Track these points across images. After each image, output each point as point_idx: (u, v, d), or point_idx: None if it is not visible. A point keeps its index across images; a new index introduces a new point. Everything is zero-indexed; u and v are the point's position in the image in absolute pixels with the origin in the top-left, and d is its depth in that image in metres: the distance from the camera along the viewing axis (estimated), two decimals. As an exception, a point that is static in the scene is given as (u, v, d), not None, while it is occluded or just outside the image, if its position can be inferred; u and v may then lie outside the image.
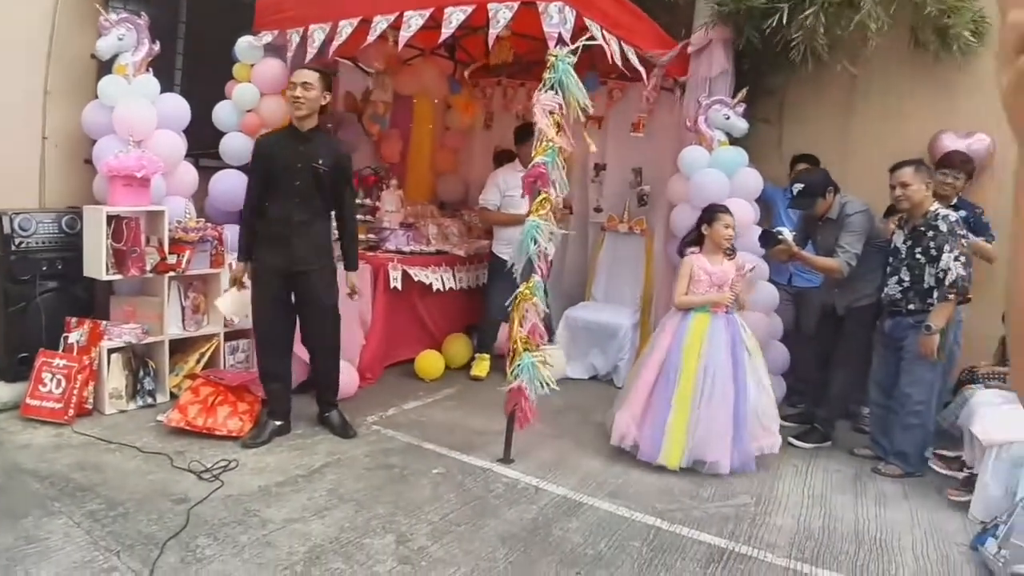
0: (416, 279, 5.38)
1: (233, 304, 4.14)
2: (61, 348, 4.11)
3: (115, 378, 4.16)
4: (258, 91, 4.85)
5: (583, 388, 5.42)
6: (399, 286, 5.20)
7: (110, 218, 4.16)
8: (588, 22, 3.94)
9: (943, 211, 4.00)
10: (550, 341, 4.70)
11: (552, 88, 3.62)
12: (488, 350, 5.60)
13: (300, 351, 4.17)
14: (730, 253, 4.10)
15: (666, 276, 5.39)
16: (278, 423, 3.96)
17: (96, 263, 4.16)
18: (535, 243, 3.62)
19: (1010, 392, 4.06)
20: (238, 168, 4.73)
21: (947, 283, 3.86)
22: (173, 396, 4.31)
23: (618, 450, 4.03)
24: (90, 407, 4.06)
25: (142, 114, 4.31)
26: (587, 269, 6.39)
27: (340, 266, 4.14)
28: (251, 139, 4.59)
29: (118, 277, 4.21)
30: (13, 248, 4.11)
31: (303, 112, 3.79)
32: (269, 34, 4.76)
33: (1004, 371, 4.44)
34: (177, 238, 4.41)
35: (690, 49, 5.22)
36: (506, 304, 3.80)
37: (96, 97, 4.37)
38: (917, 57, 5.23)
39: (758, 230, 4.66)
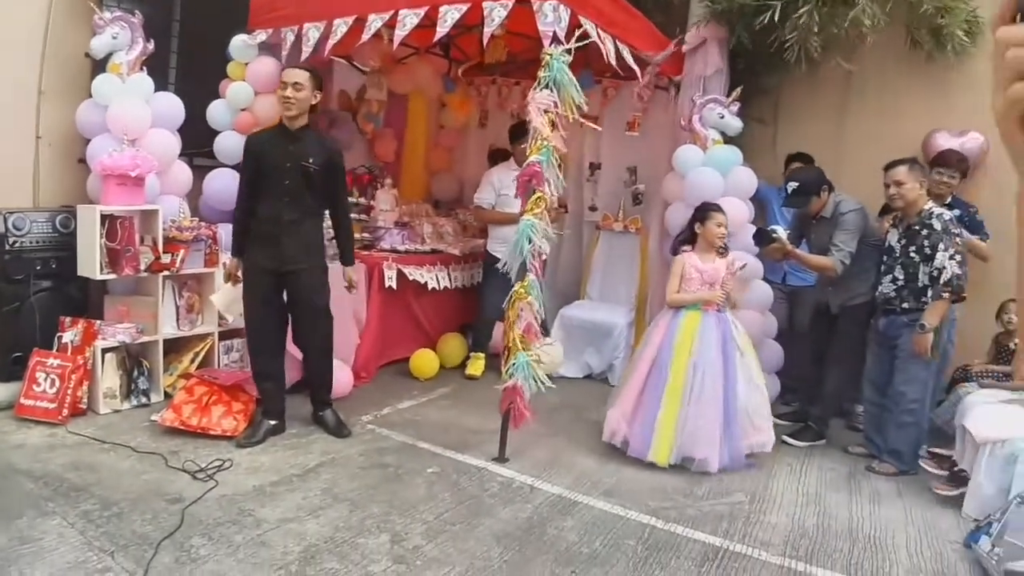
0: (411, 278, 5.37)
1: (227, 299, 4.14)
2: (55, 348, 4.10)
3: (109, 378, 4.15)
4: (252, 90, 4.83)
5: (578, 387, 5.43)
6: (394, 285, 5.20)
7: (104, 217, 4.15)
8: (583, 20, 3.94)
9: (937, 210, 4.02)
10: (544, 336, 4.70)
11: (547, 87, 3.62)
12: (483, 349, 5.60)
13: (293, 350, 4.17)
14: (723, 252, 4.11)
15: (661, 275, 5.39)
16: (272, 422, 3.95)
17: (90, 262, 4.15)
18: (530, 242, 3.62)
19: (1003, 390, 4.08)
20: (232, 167, 4.72)
21: (942, 281, 3.87)
22: (167, 396, 4.30)
23: (613, 449, 4.04)
24: (84, 407, 4.05)
25: (136, 113, 4.30)
26: (582, 268, 6.39)
27: (334, 265, 4.14)
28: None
29: (112, 276, 4.20)
30: (7, 247, 4.09)
31: (293, 112, 3.78)
32: (263, 32, 4.75)
33: (998, 369, 4.47)
34: (171, 237, 4.40)
35: (685, 48, 5.23)
36: (503, 304, 3.80)
37: (90, 96, 4.36)
38: (911, 56, 5.24)
39: (752, 229, 4.67)
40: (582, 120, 3.79)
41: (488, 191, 5.54)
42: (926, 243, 3.97)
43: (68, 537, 2.73)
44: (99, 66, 4.44)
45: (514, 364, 3.68)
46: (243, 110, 4.87)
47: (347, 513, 3.14)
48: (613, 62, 4.29)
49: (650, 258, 5.83)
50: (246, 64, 4.87)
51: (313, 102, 3.85)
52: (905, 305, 4.07)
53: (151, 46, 4.48)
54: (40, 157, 4.51)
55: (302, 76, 3.77)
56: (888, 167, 4.13)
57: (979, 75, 4.99)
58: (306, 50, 4.47)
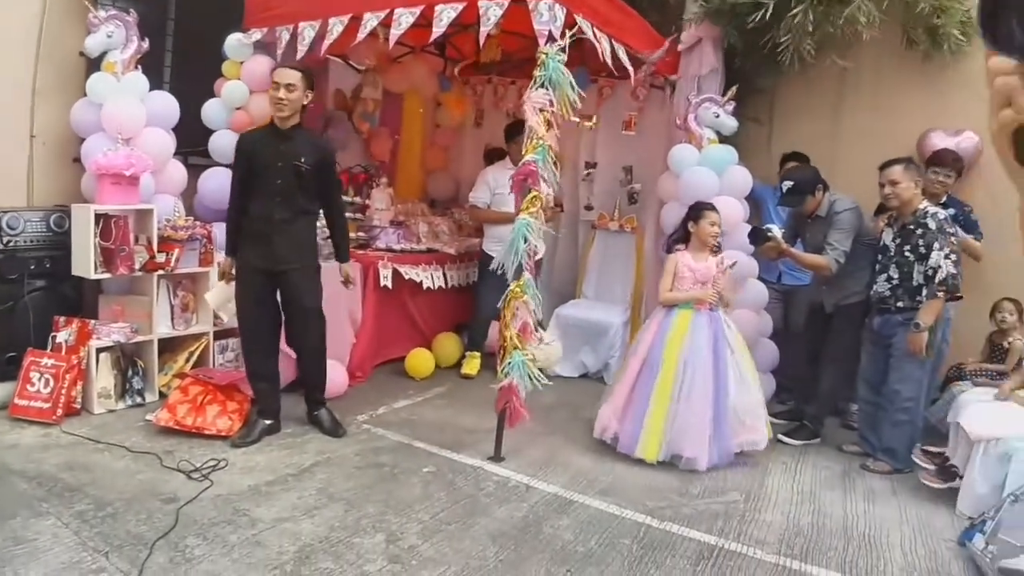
0: (406, 277, 5.37)
1: (221, 297, 4.13)
2: (49, 347, 4.09)
3: (104, 377, 4.14)
4: (247, 88, 4.82)
5: (574, 386, 5.43)
6: (389, 284, 5.20)
7: (98, 216, 4.13)
8: (578, 19, 3.94)
9: (932, 209, 4.02)
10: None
11: (543, 86, 3.62)
12: (479, 348, 5.60)
13: (288, 350, 4.16)
14: (717, 250, 4.13)
15: (656, 274, 5.37)
16: (267, 422, 3.94)
17: (84, 262, 4.13)
18: (525, 241, 3.62)
19: (997, 388, 4.08)
20: (227, 166, 4.68)
21: (937, 281, 3.88)
22: (162, 395, 4.29)
23: (608, 448, 4.04)
24: (78, 407, 4.04)
25: (131, 112, 4.29)
26: (578, 267, 6.39)
27: (329, 264, 4.13)
28: (241, 137, 4.57)
29: (107, 276, 4.19)
30: (1, 247, 4.08)
31: (286, 114, 3.76)
32: (259, 31, 4.74)
33: (991, 368, 4.48)
34: (166, 236, 4.39)
35: (680, 47, 5.23)
36: (498, 304, 3.80)
37: (85, 95, 4.35)
38: (907, 56, 5.24)
39: (748, 228, 4.68)
40: (577, 119, 3.79)
41: (483, 190, 5.54)
42: (921, 242, 3.98)
43: (62, 537, 2.72)
44: (94, 65, 4.42)
45: (510, 363, 3.68)
46: (238, 109, 4.86)
47: (342, 513, 3.14)
48: (609, 61, 4.29)
49: (646, 257, 5.83)
50: (241, 63, 4.86)
51: (304, 102, 3.83)
52: (900, 304, 4.07)
53: (146, 45, 4.47)
54: (34, 156, 4.50)
55: (294, 77, 3.74)
56: (883, 167, 4.14)
57: (974, 75, 4.97)
58: (301, 49, 4.46)
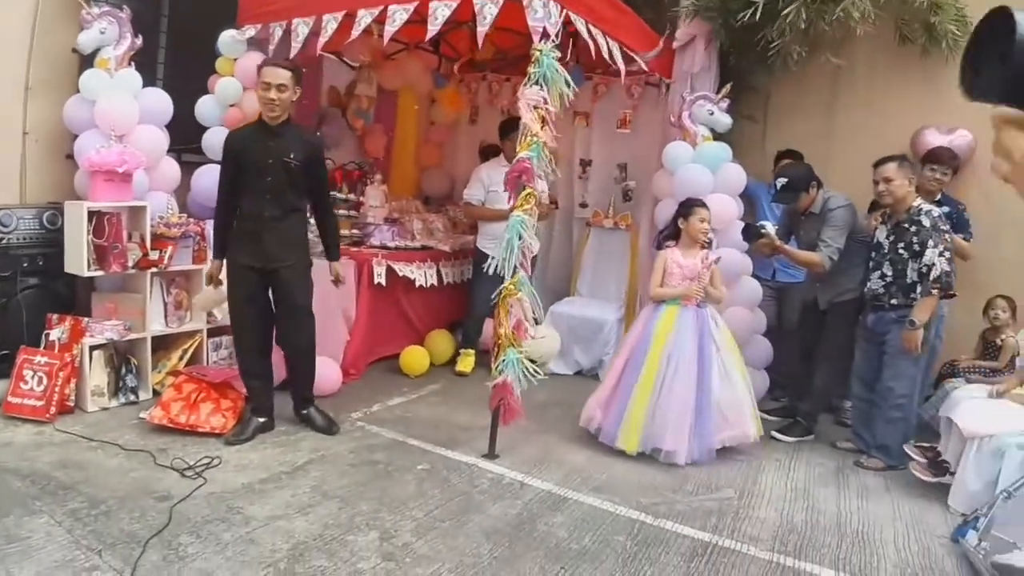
0: (400, 274, 5.36)
1: (209, 301, 4.13)
2: (42, 345, 4.07)
3: (97, 375, 4.12)
4: (241, 85, 4.80)
5: (568, 383, 5.43)
6: (383, 282, 5.19)
7: (91, 214, 4.12)
8: (572, 16, 3.94)
9: (926, 206, 4.03)
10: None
11: (537, 83, 3.62)
12: (473, 345, 5.60)
13: (278, 348, 4.14)
14: (708, 247, 4.14)
15: (650, 271, 5.40)
16: (261, 420, 3.93)
17: (77, 259, 4.12)
18: (520, 238, 3.62)
19: (990, 385, 4.10)
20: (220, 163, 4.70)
21: (931, 278, 3.89)
22: (156, 393, 4.28)
23: (603, 445, 4.05)
24: (72, 405, 4.02)
25: (124, 108, 4.27)
26: (572, 264, 6.40)
27: (320, 261, 4.12)
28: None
29: (100, 273, 4.18)
30: (-7, 244, 4.07)
31: (277, 114, 3.74)
32: (252, 28, 4.73)
33: (984, 365, 4.50)
34: (159, 234, 4.37)
35: (675, 44, 5.23)
36: (491, 299, 3.80)
37: (78, 91, 4.32)
38: (901, 53, 5.25)
39: (742, 225, 4.69)
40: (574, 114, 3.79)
41: (477, 187, 5.53)
42: (915, 240, 3.99)
43: (55, 535, 2.71)
44: (87, 61, 4.39)
45: (504, 360, 3.68)
46: (232, 106, 4.84)
47: (336, 510, 3.14)
48: (606, 56, 4.29)
49: (640, 254, 5.84)
50: (235, 60, 4.84)
51: (293, 99, 3.81)
52: (894, 301, 4.09)
53: (139, 41, 4.44)
54: (27, 153, 4.48)
55: (285, 77, 3.68)
56: (877, 164, 4.14)
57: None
58: (295, 46, 4.45)
